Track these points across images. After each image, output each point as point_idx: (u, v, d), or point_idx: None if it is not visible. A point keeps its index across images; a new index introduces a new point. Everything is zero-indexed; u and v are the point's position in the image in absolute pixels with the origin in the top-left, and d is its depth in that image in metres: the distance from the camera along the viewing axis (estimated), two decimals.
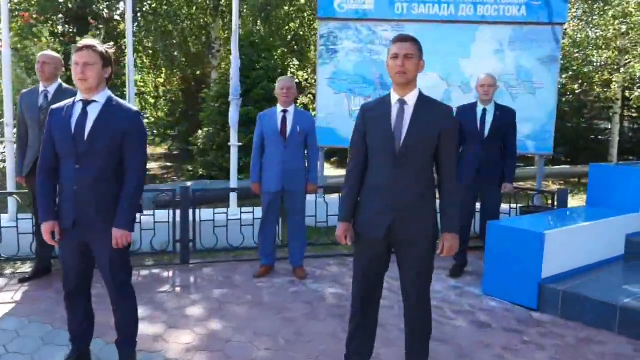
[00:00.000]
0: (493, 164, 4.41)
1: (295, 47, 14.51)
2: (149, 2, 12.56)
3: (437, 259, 2.54)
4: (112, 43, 2.63)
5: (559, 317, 3.65)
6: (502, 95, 6.00)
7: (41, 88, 4.00)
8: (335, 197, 5.82)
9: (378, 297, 2.63)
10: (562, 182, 12.02)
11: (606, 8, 11.82)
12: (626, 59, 12.25)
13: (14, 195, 4.69)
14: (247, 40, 10.29)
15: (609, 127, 14.12)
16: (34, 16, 11.67)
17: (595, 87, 13.69)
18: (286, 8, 13.28)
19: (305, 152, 4.38)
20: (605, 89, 13.16)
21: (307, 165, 4.38)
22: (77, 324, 2.69)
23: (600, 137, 14.96)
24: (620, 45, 12.11)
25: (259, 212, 4.65)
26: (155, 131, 16.67)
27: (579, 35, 12.55)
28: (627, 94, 12.80)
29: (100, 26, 11.97)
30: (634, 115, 15.29)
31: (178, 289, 4.08)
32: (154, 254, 4.78)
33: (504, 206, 5.16)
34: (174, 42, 12.92)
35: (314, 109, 8.08)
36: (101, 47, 2.47)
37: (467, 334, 3.35)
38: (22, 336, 3.11)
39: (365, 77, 6.36)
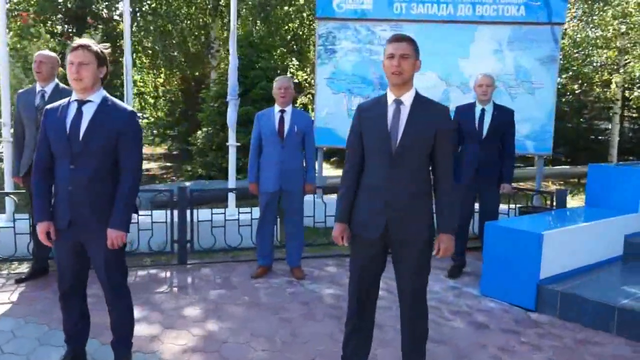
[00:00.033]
0: (492, 164, 4.40)
1: (295, 47, 14.51)
2: (148, 2, 12.55)
3: (435, 259, 2.53)
4: (108, 44, 2.62)
5: (557, 318, 3.64)
6: (501, 95, 5.99)
7: (38, 88, 3.99)
8: (333, 197, 5.80)
9: (374, 298, 2.61)
10: (561, 182, 12.01)
11: (606, 8, 11.81)
12: (626, 59, 12.24)
13: (11, 195, 4.68)
14: (246, 40, 10.29)
15: (609, 127, 14.12)
16: (32, 16, 11.67)
17: (595, 87, 13.70)
18: (285, 8, 13.27)
19: (303, 152, 4.37)
20: (605, 89, 13.17)
21: (304, 165, 4.37)
22: (72, 325, 2.68)
23: (600, 137, 14.97)
24: (620, 45, 12.10)
25: (257, 212, 4.64)
26: (154, 131, 16.68)
27: (579, 35, 12.55)
28: (627, 94, 12.80)
29: (100, 26, 11.97)
30: (634, 115, 15.29)
31: (175, 289, 4.07)
32: (151, 254, 4.77)
33: (503, 206, 5.15)
34: (173, 42, 12.91)
35: (313, 109, 8.07)
36: (96, 47, 2.46)
37: (464, 335, 3.34)
38: (18, 337, 3.10)
39: (364, 77, 6.35)
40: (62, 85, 4.05)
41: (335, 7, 6.25)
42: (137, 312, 3.16)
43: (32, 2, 11.76)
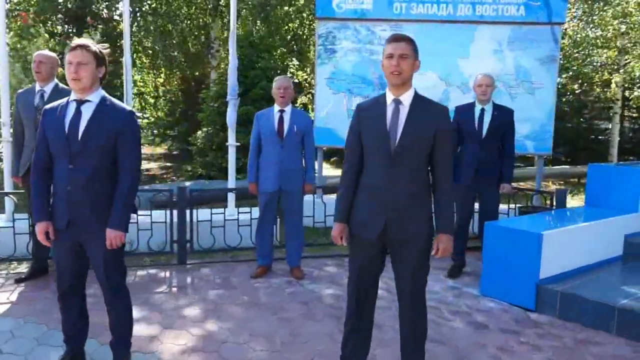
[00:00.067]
0: (492, 164, 4.39)
1: (295, 47, 14.51)
2: (148, 2, 12.55)
3: (435, 259, 2.52)
4: (107, 44, 2.62)
5: (557, 318, 3.64)
6: (501, 95, 5.99)
7: (37, 88, 3.99)
8: (333, 197, 5.79)
9: (373, 298, 2.61)
10: (562, 182, 12.00)
11: (606, 8, 11.80)
12: (626, 59, 12.24)
13: (11, 195, 4.68)
14: (246, 40, 10.30)
15: (609, 127, 14.12)
16: (32, 16, 11.67)
17: (595, 87, 13.69)
18: (285, 8, 13.27)
19: (303, 152, 4.36)
20: (605, 89, 13.16)
21: (304, 165, 4.37)
22: (71, 325, 2.67)
23: (600, 137, 14.96)
24: (620, 45, 12.10)
25: (256, 212, 4.64)
26: (154, 131, 16.67)
27: (579, 35, 12.54)
28: (627, 94, 12.79)
29: (100, 26, 11.97)
30: (634, 115, 15.28)
31: (174, 289, 4.07)
32: (150, 254, 4.77)
33: (503, 206, 5.15)
34: (174, 42, 12.91)
35: (313, 109, 8.06)
36: (95, 47, 2.46)
37: (464, 335, 3.33)
38: (17, 337, 3.10)
39: (363, 77, 6.34)
40: (61, 85, 4.05)
41: (335, 7, 6.25)
42: (136, 312, 3.16)
43: (32, 2, 11.76)
